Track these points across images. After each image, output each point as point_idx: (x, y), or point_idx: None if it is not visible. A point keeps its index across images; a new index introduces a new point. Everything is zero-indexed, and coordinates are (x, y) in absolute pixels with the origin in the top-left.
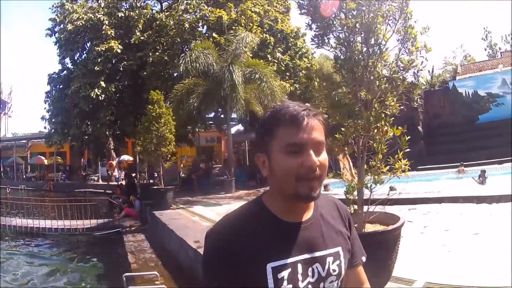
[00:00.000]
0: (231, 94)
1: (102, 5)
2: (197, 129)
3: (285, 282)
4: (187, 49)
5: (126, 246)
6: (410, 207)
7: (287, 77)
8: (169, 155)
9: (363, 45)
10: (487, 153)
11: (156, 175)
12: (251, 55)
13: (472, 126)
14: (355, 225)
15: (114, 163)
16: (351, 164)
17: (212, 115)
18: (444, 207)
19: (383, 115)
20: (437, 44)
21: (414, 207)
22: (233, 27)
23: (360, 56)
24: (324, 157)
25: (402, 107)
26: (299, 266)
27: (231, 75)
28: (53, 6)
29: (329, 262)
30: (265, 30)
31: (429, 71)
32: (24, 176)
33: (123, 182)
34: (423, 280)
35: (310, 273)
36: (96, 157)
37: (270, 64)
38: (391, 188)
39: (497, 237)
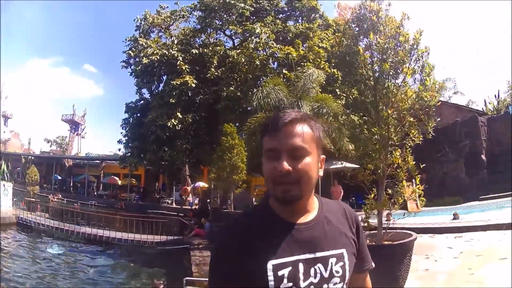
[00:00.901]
0: None
1: (176, 42)
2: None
3: (285, 280)
4: (259, 85)
5: (192, 259)
6: (457, 234)
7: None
8: (240, 183)
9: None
10: None
11: (229, 201)
12: (320, 90)
13: None
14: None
15: (189, 188)
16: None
17: None
18: (495, 234)
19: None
20: (502, 66)
21: (460, 235)
22: (302, 63)
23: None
24: (302, 161)
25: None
26: (301, 265)
27: (300, 109)
28: (126, 40)
29: (331, 263)
30: (332, 65)
31: (495, 96)
32: (95, 193)
33: (196, 207)
34: None
35: (312, 273)
36: (171, 181)
37: (340, 98)
38: (455, 215)
39: None
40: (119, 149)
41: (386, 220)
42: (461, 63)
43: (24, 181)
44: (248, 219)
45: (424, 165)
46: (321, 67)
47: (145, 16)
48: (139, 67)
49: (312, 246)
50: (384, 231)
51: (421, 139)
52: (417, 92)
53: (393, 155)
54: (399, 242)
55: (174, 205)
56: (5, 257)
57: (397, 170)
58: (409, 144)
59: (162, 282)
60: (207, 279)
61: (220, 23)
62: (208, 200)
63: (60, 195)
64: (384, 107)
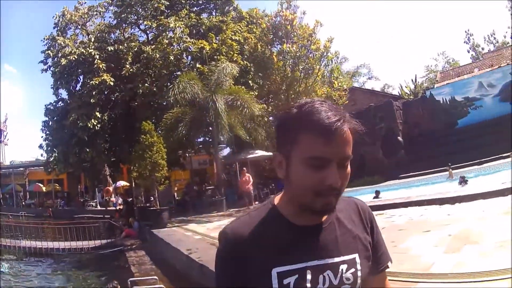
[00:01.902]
0: (216, 121)
1: (92, 39)
2: (187, 154)
3: None
4: (174, 80)
5: (129, 260)
6: (378, 212)
7: (270, 100)
8: (163, 179)
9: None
10: (468, 156)
11: (152, 198)
12: (233, 82)
13: (451, 131)
14: None
15: (110, 189)
16: None
17: (201, 139)
18: (416, 210)
19: None
20: (420, 51)
21: (382, 212)
22: (215, 57)
23: None
24: (347, 171)
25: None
26: (308, 273)
27: (215, 103)
28: (44, 39)
29: (342, 269)
30: (245, 56)
31: (412, 80)
32: (23, 203)
33: (121, 207)
34: None
35: (321, 280)
36: (93, 183)
37: (253, 89)
38: (376, 193)
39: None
40: (41, 154)
41: None
42: (377, 49)
43: None
44: (253, 220)
45: None
46: (234, 59)
47: (63, 13)
48: (58, 69)
49: (322, 252)
50: None
51: None
52: (326, 93)
53: None
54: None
55: (98, 207)
56: None
57: None
58: None
59: (117, 283)
60: (148, 277)
61: (136, 17)
62: (131, 199)
63: None
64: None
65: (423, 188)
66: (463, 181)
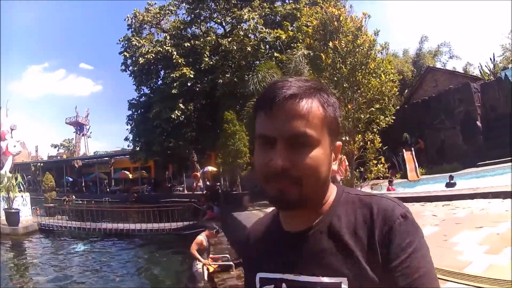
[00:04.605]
0: None
1: (168, 37)
2: None
3: None
4: (253, 70)
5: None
6: (445, 203)
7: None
8: (245, 165)
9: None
10: None
11: (237, 183)
12: (311, 70)
13: None
14: None
15: (198, 174)
16: (417, 165)
17: None
18: (481, 203)
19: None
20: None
21: (448, 203)
22: (292, 44)
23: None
24: (306, 154)
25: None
26: (284, 286)
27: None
28: (120, 41)
29: None
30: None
31: (490, 59)
32: (108, 189)
33: (207, 191)
34: None
35: None
36: (180, 169)
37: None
38: (450, 179)
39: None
40: (128, 145)
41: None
42: (457, 27)
43: (36, 189)
44: (263, 221)
45: (386, 147)
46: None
47: (135, 14)
48: (136, 67)
49: (300, 266)
50: None
51: (392, 120)
52: (375, 87)
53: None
54: None
55: (186, 192)
56: (35, 262)
57: (366, 151)
58: (375, 128)
59: (215, 226)
60: (222, 255)
61: (209, 12)
62: (218, 183)
63: (73, 196)
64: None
65: (498, 178)
66: None
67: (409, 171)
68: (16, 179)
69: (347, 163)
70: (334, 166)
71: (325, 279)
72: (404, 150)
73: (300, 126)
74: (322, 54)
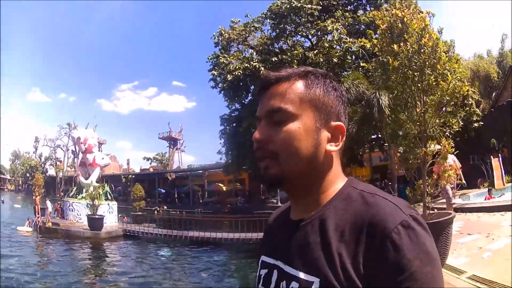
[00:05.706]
0: (380, 117)
1: (255, 53)
2: (360, 151)
3: (261, 281)
4: (340, 81)
5: None
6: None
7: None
8: None
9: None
10: None
11: None
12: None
13: None
14: None
15: None
16: (504, 172)
17: (375, 136)
18: None
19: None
20: None
21: None
22: (377, 53)
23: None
24: (281, 128)
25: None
26: (275, 273)
27: (378, 101)
28: (208, 59)
29: None
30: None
31: None
32: (201, 201)
33: None
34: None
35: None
36: None
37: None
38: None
39: None
40: (220, 158)
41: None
42: None
43: (126, 199)
44: (283, 207)
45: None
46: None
47: (220, 32)
48: (226, 84)
49: (288, 256)
50: (428, 211)
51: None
52: (445, 86)
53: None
54: (432, 221)
55: (279, 204)
56: (116, 262)
57: (438, 157)
58: (448, 132)
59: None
60: None
61: (294, 26)
62: None
63: (165, 207)
64: (423, 100)
65: None
66: None
67: (496, 179)
68: (103, 188)
69: (459, 165)
70: (331, 147)
71: (301, 275)
72: (492, 157)
73: (276, 102)
74: (389, 57)
